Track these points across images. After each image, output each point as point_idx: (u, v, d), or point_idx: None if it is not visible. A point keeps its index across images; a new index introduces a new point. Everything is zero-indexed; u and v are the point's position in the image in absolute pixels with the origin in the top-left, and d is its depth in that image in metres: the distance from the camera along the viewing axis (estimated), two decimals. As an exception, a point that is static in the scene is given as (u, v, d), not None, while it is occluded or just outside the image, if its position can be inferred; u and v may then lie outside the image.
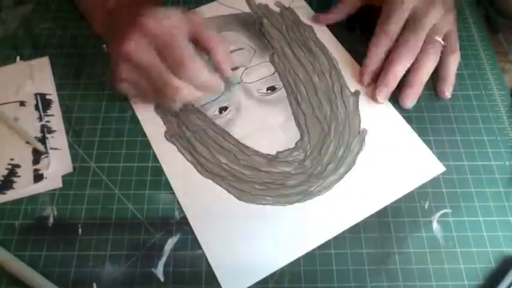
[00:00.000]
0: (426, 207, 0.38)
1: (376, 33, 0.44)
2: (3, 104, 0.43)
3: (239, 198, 0.38)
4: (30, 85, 0.44)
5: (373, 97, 0.43)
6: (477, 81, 0.46)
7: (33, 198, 0.38)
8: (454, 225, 0.38)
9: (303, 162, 0.40)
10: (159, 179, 0.40)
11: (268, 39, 0.48)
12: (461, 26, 0.50)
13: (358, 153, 0.41)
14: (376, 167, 0.40)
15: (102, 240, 0.37)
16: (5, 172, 0.40)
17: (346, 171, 0.40)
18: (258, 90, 0.44)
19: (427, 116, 0.43)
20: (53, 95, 0.44)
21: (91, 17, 0.47)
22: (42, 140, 0.41)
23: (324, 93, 0.44)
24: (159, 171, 0.40)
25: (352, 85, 0.45)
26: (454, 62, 0.44)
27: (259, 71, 0.45)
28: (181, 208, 0.38)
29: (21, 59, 0.46)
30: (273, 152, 0.41)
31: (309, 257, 0.36)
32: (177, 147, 0.41)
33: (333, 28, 0.49)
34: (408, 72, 0.42)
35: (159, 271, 0.35)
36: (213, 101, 0.43)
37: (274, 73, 0.45)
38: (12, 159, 0.40)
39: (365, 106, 0.43)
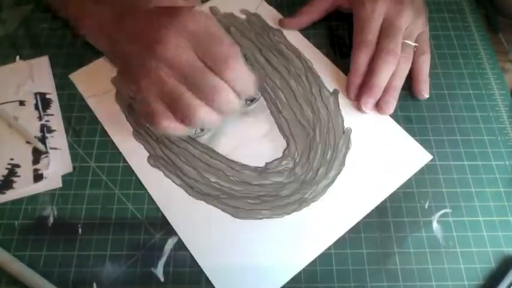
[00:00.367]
0: (426, 207, 0.38)
1: (355, 45, 0.44)
2: (2, 103, 0.43)
3: (234, 216, 0.37)
4: (30, 84, 0.44)
5: (358, 107, 0.43)
6: (477, 80, 0.46)
7: (33, 198, 0.38)
8: (454, 225, 0.38)
9: (293, 170, 0.40)
10: (159, 179, 0.39)
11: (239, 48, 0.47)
12: (462, 26, 0.50)
13: (346, 153, 0.40)
14: (366, 164, 0.40)
15: (102, 240, 0.37)
16: (5, 172, 0.40)
17: (338, 173, 0.39)
18: None
19: (427, 116, 0.43)
20: (52, 94, 0.44)
21: (82, 26, 0.43)
22: (42, 140, 0.41)
23: (303, 97, 0.44)
24: (159, 171, 0.40)
25: (330, 84, 0.44)
26: (425, 62, 0.44)
27: None
28: (181, 208, 0.38)
29: (21, 58, 0.46)
30: (262, 164, 0.40)
31: (309, 257, 0.36)
32: (164, 172, 0.39)
33: (303, 29, 0.49)
34: None
35: (159, 271, 0.35)
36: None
37: None
38: (12, 159, 0.40)
39: (345, 104, 0.43)
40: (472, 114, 0.44)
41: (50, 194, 0.39)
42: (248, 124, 0.42)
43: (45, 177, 0.39)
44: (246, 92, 0.35)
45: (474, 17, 0.51)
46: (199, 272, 0.35)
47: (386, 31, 0.43)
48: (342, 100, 0.44)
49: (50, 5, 0.48)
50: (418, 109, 0.44)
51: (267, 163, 0.40)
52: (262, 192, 0.39)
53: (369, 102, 0.42)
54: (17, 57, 0.46)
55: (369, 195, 0.38)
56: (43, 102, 0.43)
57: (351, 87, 0.43)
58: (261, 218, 0.37)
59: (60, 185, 0.39)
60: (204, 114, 0.34)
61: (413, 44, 0.43)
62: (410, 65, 0.43)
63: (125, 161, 0.40)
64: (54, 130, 0.42)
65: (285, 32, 0.48)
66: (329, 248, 0.36)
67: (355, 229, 0.37)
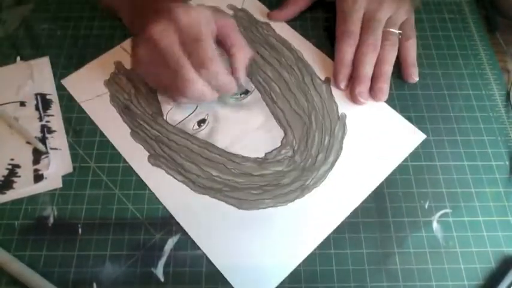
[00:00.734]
0: (426, 207, 0.38)
1: (338, 35, 0.45)
2: (3, 104, 0.43)
3: (239, 207, 0.38)
4: (30, 85, 0.44)
5: (354, 100, 0.43)
6: (477, 81, 0.46)
7: (33, 198, 0.38)
8: (454, 225, 0.38)
9: (293, 158, 0.40)
10: (159, 179, 0.39)
11: None
12: (461, 26, 0.50)
13: (342, 138, 0.41)
14: (363, 147, 0.41)
15: (102, 240, 0.37)
16: (5, 172, 0.40)
17: (336, 158, 0.40)
18: (232, 97, 0.43)
19: (427, 116, 0.43)
20: (53, 95, 0.44)
21: (119, 10, 0.46)
22: (43, 140, 0.41)
23: (296, 87, 0.44)
24: (159, 171, 0.40)
25: (321, 73, 0.45)
26: (411, 47, 0.45)
27: None
28: (181, 208, 0.38)
29: (21, 59, 0.46)
30: (261, 155, 0.41)
31: (309, 257, 0.36)
32: (165, 170, 0.40)
33: (290, 20, 0.49)
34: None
35: (159, 271, 0.35)
36: (189, 115, 0.42)
37: None
38: (12, 159, 0.40)
39: (338, 91, 0.44)
40: (472, 114, 0.44)
41: (50, 194, 0.39)
42: (244, 117, 0.43)
43: (46, 178, 0.39)
44: (223, 91, 0.39)
45: (474, 17, 0.51)
46: (199, 272, 0.35)
47: (366, 25, 0.44)
48: (335, 87, 0.45)
49: None
50: (418, 109, 0.44)
51: (266, 153, 0.41)
52: (264, 182, 0.39)
53: (362, 91, 0.43)
54: (18, 57, 0.46)
55: (368, 178, 0.39)
56: (43, 102, 0.43)
57: (339, 76, 0.44)
58: (265, 208, 0.38)
59: (61, 185, 0.39)
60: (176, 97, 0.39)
61: (398, 32, 0.45)
62: (396, 51, 0.44)
63: (125, 161, 0.40)
64: (55, 131, 0.42)
65: (273, 25, 0.49)
66: (329, 248, 0.36)
67: (355, 229, 0.37)
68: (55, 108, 0.43)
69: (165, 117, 0.42)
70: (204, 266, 0.36)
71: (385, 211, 0.38)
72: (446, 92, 0.45)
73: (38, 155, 0.40)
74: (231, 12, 0.50)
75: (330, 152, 0.41)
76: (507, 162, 0.41)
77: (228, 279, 0.35)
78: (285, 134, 0.42)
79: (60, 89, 0.44)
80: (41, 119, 0.42)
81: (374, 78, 0.43)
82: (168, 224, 0.37)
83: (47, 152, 0.41)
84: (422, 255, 0.36)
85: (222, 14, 0.40)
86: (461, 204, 0.39)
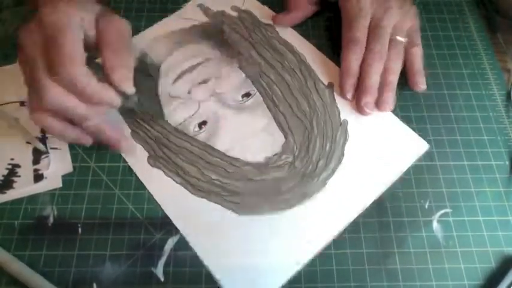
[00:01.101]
0: (426, 207, 0.38)
1: (344, 43, 0.44)
2: (3, 104, 0.43)
3: (237, 212, 0.38)
4: (30, 85, 0.44)
5: (361, 111, 0.42)
6: (477, 80, 0.46)
7: (33, 198, 0.38)
8: (454, 225, 0.38)
9: (293, 164, 0.40)
10: (159, 179, 0.39)
11: (233, 45, 0.47)
12: (462, 26, 0.50)
13: (344, 144, 0.41)
14: (365, 154, 0.40)
15: (102, 240, 0.37)
16: (5, 172, 0.40)
17: (337, 165, 0.40)
18: (233, 99, 0.43)
19: (427, 116, 0.43)
20: (53, 95, 0.44)
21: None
22: (43, 140, 0.41)
23: (298, 91, 0.44)
24: (159, 171, 0.40)
25: (325, 78, 0.45)
26: (417, 54, 0.44)
27: (230, 79, 0.44)
28: (181, 208, 0.38)
29: (21, 59, 0.46)
30: (261, 159, 0.40)
31: (309, 256, 0.36)
32: (164, 172, 0.39)
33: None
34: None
35: (159, 271, 0.35)
36: (190, 117, 0.42)
37: (246, 79, 0.44)
38: (12, 159, 0.40)
39: (341, 97, 0.44)
40: (472, 114, 0.44)
41: (50, 194, 0.39)
42: (245, 120, 0.42)
43: (46, 177, 0.39)
44: (101, 102, 0.35)
45: (474, 17, 0.51)
46: (199, 272, 0.35)
47: (373, 32, 0.43)
48: (337, 92, 0.44)
49: None
50: (418, 109, 0.44)
51: (267, 158, 0.40)
52: (264, 188, 0.39)
53: (369, 102, 0.42)
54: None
55: (369, 186, 0.39)
56: (43, 102, 0.43)
57: (346, 87, 0.43)
58: (263, 213, 0.37)
59: (60, 185, 0.39)
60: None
61: (404, 40, 0.44)
62: (402, 60, 0.44)
63: (124, 161, 0.40)
64: (55, 130, 0.42)
65: (277, 27, 0.48)
66: (329, 248, 0.36)
67: (355, 229, 0.37)
68: (55, 108, 0.43)
69: (165, 118, 0.42)
70: (204, 266, 0.36)
71: (385, 211, 0.38)
72: (446, 92, 0.45)
73: (38, 155, 0.40)
74: (235, 13, 0.50)
75: (331, 159, 0.40)
76: (507, 162, 0.41)
77: (223, 284, 0.35)
78: (286, 138, 0.41)
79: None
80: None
81: (379, 88, 0.42)
82: (168, 224, 0.37)
83: (47, 152, 0.41)
84: (422, 255, 0.36)
85: (109, 16, 0.36)
86: (461, 204, 0.39)
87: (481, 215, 0.38)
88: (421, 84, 0.43)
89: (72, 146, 0.41)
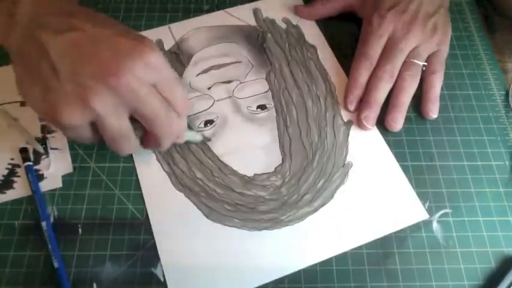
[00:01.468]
0: (426, 207, 0.38)
1: (356, 56, 0.44)
2: (3, 103, 0.43)
3: (207, 216, 0.37)
4: (30, 85, 0.44)
5: (359, 125, 0.42)
6: (477, 81, 0.46)
7: (33, 198, 0.38)
8: (454, 225, 0.38)
9: (279, 189, 0.39)
10: (159, 179, 0.39)
11: (268, 56, 0.47)
12: (462, 26, 0.50)
13: (338, 187, 0.39)
14: (355, 204, 0.38)
15: (102, 240, 0.37)
16: (5, 172, 0.40)
17: (323, 205, 0.38)
18: (248, 107, 0.43)
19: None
20: (53, 95, 0.44)
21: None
22: (43, 140, 0.41)
23: (314, 119, 0.43)
24: (159, 171, 0.40)
25: (346, 114, 0.43)
26: (434, 82, 0.43)
27: (252, 87, 0.44)
28: (181, 208, 0.38)
29: (21, 59, 0.46)
30: (251, 174, 0.40)
31: (309, 257, 0.36)
32: (156, 156, 0.40)
33: (337, 52, 0.47)
34: (390, 95, 0.42)
35: (159, 271, 0.35)
36: (200, 112, 0.42)
37: (267, 91, 0.44)
38: (12, 159, 0.40)
39: (355, 138, 0.42)
40: (472, 114, 0.44)
41: (50, 194, 0.39)
42: (251, 131, 0.42)
43: (46, 178, 0.39)
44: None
45: (474, 17, 0.51)
46: (199, 272, 0.35)
47: (387, 51, 0.43)
48: (353, 133, 0.42)
49: None
50: (418, 109, 0.44)
51: (255, 174, 0.40)
52: (241, 202, 0.38)
53: (369, 116, 0.41)
54: (18, 57, 0.46)
55: (346, 236, 0.37)
56: (43, 102, 0.43)
57: (350, 97, 0.43)
58: (231, 226, 0.37)
59: (61, 185, 0.39)
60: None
61: (421, 64, 0.43)
62: (417, 82, 0.43)
63: (125, 161, 0.40)
64: (55, 131, 0.42)
65: (319, 51, 0.47)
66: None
67: (355, 229, 0.37)
68: (55, 108, 0.43)
69: None
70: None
71: (385, 211, 0.38)
72: (446, 92, 0.45)
73: (38, 155, 0.40)
74: (283, 26, 0.49)
75: (318, 196, 0.38)
76: (507, 162, 0.41)
77: (165, 273, 0.35)
78: (283, 161, 0.40)
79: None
80: (41, 119, 0.42)
81: (390, 107, 0.42)
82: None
83: (46, 153, 0.40)
84: (422, 255, 0.36)
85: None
86: (461, 204, 0.39)
87: (481, 215, 0.38)
88: (432, 113, 0.43)
89: (72, 146, 0.41)
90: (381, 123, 0.42)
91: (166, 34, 0.48)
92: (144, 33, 0.45)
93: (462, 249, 0.37)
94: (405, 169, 0.40)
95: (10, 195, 0.39)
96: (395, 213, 0.38)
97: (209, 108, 0.43)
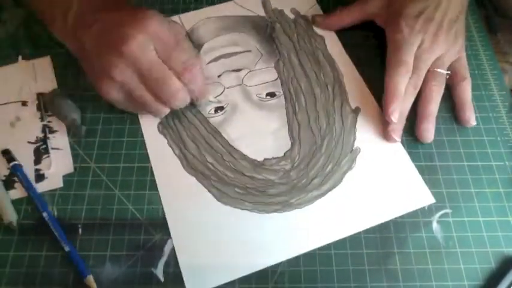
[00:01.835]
0: (426, 207, 0.38)
1: (391, 65, 0.42)
2: (5, 103, 0.43)
3: (218, 199, 0.38)
4: (32, 85, 0.45)
5: (387, 138, 0.41)
6: (477, 81, 0.46)
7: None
8: (454, 226, 0.38)
9: (288, 173, 0.40)
10: (159, 179, 0.40)
11: (277, 45, 0.47)
12: (462, 27, 0.50)
13: (346, 171, 0.40)
14: (363, 188, 0.39)
15: (102, 240, 0.37)
16: (7, 172, 0.40)
17: (331, 188, 0.39)
18: (257, 95, 0.44)
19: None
20: (53, 95, 0.44)
21: (49, 17, 0.43)
22: (44, 140, 0.41)
23: (323, 106, 0.43)
24: (159, 171, 0.40)
25: (354, 102, 0.44)
26: (466, 89, 0.43)
27: (262, 76, 0.45)
28: (181, 208, 0.38)
29: (22, 59, 0.46)
30: (261, 158, 0.40)
31: (309, 257, 0.36)
32: (167, 140, 0.41)
33: (345, 42, 0.48)
34: (417, 106, 0.42)
35: (159, 271, 0.35)
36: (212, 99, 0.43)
37: (276, 79, 0.45)
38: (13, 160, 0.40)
39: (363, 125, 0.42)
40: (472, 114, 0.44)
41: (51, 194, 0.39)
42: (261, 117, 0.43)
43: (47, 177, 0.39)
44: (198, 96, 0.40)
45: (474, 18, 0.51)
46: (199, 272, 0.35)
47: (414, 62, 0.42)
48: (361, 119, 0.43)
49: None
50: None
51: (265, 159, 0.40)
52: (251, 185, 0.39)
53: (396, 129, 0.41)
54: (19, 57, 0.46)
55: (355, 219, 0.38)
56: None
57: (392, 106, 0.40)
58: (242, 209, 0.38)
59: (61, 185, 0.39)
60: (161, 110, 0.40)
61: (445, 72, 0.43)
62: (442, 91, 0.43)
63: (125, 161, 0.40)
64: (56, 131, 0.42)
65: (327, 41, 0.48)
66: (329, 248, 0.36)
67: (355, 229, 0.37)
68: (56, 109, 0.43)
69: None
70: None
71: (385, 211, 0.38)
72: (446, 92, 0.45)
73: (39, 155, 0.41)
74: (292, 16, 0.50)
75: (327, 180, 0.39)
76: (507, 162, 0.41)
77: (178, 257, 0.36)
78: (292, 147, 0.41)
79: (60, 89, 0.44)
80: (42, 119, 0.43)
81: (421, 119, 0.42)
82: (168, 224, 0.37)
83: (47, 152, 0.41)
84: (422, 256, 0.36)
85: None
86: (461, 204, 0.39)
87: (481, 215, 0.38)
88: (472, 121, 0.42)
89: (72, 147, 0.41)
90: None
91: None
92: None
93: (462, 250, 0.37)
94: (405, 169, 0.40)
95: (11, 195, 0.39)
96: (403, 197, 0.39)
97: (219, 95, 0.43)
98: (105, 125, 0.43)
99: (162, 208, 0.38)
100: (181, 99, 0.39)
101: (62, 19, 0.40)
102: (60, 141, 0.41)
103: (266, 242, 0.37)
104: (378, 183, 0.39)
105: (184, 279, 0.35)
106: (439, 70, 0.43)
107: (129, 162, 0.40)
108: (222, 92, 0.44)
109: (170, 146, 0.41)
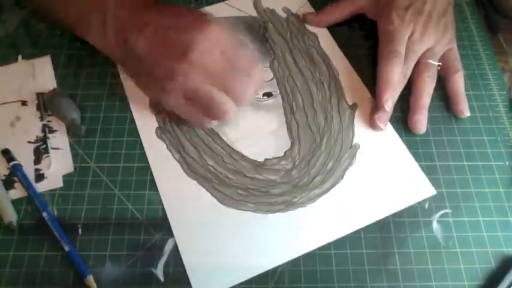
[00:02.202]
0: (426, 207, 0.38)
1: (384, 56, 0.43)
2: (4, 103, 0.43)
3: (221, 202, 0.38)
4: (32, 84, 0.45)
5: (373, 126, 0.42)
6: (477, 81, 0.46)
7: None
8: (454, 225, 0.38)
9: (289, 172, 0.40)
10: (159, 179, 0.40)
11: (271, 45, 0.48)
12: (462, 26, 0.50)
13: (347, 168, 0.40)
14: (365, 183, 0.39)
15: (102, 240, 0.37)
16: (6, 172, 0.40)
17: (333, 185, 0.39)
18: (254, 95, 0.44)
19: (428, 117, 0.43)
20: (53, 95, 0.44)
21: (84, 26, 0.41)
22: (44, 140, 0.41)
23: (320, 104, 0.43)
24: (159, 171, 0.40)
25: (351, 98, 0.44)
26: (459, 81, 0.44)
27: None
28: (181, 208, 0.38)
29: (22, 58, 0.46)
30: (261, 159, 0.40)
31: (309, 257, 0.36)
32: (166, 145, 0.41)
33: (339, 39, 0.48)
34: (411, 98, 0.43)
35: (159, 271, 0.35)
36: None
37: (272, 79, 0.45)
38: (13, 160, 0.40)
39: (361, 120, 0.43)
40: (472, 114, 0.43)
41: (51, 194, 0.39)
42: (259, 118, 0.43)
43: (46, 177, 0.39)
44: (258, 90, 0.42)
45: (474, 18, 0.51)
46: (199, 272, 0.35)
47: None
48: (358, 115, 0.43)
49: (39, 8, 0.48)
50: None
51: (266, 159, 0.40)
52: (253, 186, 0.39)
53: (382, 117, 0.41)
54: (19, 56, 0.46)
55: (358, 214, 0.38)
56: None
57: (385, 95, 0.41)
58: (245, 210, 0.38)
59: (61, 185, 0.39)
60: (233, 110, 0.38)
61: (437, 64, 0.43)
62: (434, 83, 0.43)
63: (125, 161, 0.40)
64: (56, 130, 0.42)
65: (320, 38, 0.48)
66: (329, 248, 0.36)
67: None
68: (55, 108, 0.43)
69: None
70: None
71: (385, 211, 0.38)
72: (446, 92, 0.45)
73: (39, 155, 0.40)
74: (284, 15, 0.50)
75: (328, 178, 0.39)
76: (507, 162, 0.41)
77: (184, 262, 0.35)
78: (292, 146, 0.41)
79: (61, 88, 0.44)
80: (42, 118, 0.43)
81: (413, 110, 0.42)
82: (168, 224, 0.37)
83: (47, 152, 0.41)
84: (422, 256, 0.36)
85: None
86: (461, 204, 0.39)
87: (481, 215, 0.38)
88: (466, 112, 0.43)
89: (72, 146, 0.41)
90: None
91: None
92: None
93: (462, 250, 0.37)
94: (405, 169, 0.40)
95: (10, 195, 0.39)
96: (404, 189, 0.39)
97: None
98: (104, 125, 0.43)
99: (162, 208, 0.38)
100: (250, 93, 0.39)
101: (101, 25, 0.39)
102: (60, 141, 0.41)
103: (271, 243, 0.36)
104: (379, 177, 0.40)
105: (191, 281, 0.35)
106: (431, 61, 0.43)
107: (129, 162, 0.40)
108: None
109: (169, 150, 0.41)
